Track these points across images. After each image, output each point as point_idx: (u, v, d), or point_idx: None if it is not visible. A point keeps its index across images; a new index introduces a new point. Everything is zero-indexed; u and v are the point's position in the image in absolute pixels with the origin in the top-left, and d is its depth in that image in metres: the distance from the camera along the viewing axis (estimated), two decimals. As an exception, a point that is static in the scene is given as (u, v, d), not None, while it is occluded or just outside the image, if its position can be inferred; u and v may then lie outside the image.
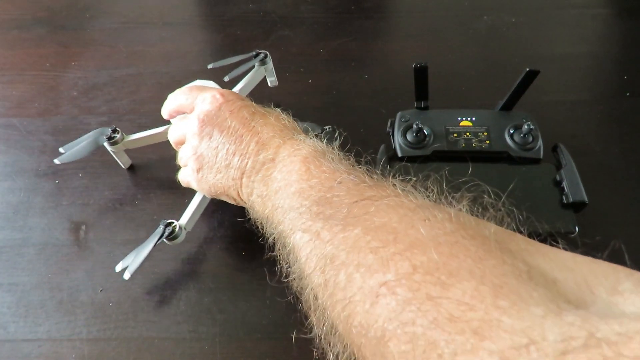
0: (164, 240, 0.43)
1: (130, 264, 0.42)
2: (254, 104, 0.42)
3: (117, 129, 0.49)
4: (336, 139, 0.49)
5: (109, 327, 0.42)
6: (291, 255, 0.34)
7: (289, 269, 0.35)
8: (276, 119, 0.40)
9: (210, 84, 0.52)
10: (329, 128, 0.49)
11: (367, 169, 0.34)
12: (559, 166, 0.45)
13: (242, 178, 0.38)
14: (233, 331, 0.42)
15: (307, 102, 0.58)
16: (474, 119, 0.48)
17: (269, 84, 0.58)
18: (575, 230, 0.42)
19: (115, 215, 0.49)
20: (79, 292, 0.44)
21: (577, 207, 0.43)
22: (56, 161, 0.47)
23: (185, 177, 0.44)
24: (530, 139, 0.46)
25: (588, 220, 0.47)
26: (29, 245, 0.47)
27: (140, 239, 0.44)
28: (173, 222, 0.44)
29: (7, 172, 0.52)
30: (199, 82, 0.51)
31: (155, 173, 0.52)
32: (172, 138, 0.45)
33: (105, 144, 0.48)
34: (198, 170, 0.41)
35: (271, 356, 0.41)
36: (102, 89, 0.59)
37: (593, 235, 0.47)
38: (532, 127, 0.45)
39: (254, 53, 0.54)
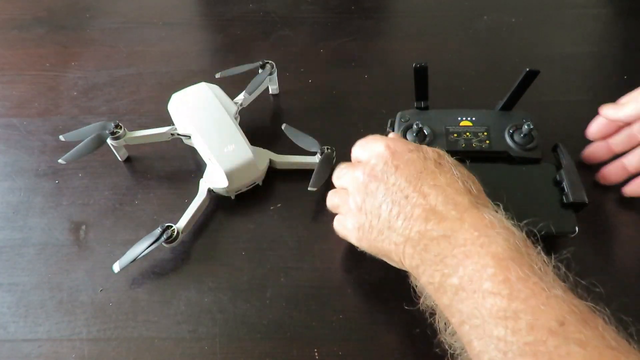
0: (162, 243, 0.44)
1: (122, 258, 0.43)
2: (429, 153, 0.36)
3: (120, 124, 0.49)
4: (334, 159, 0.50)
5: (109, 327, 0.42)
6: None
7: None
8: (450, 179, 0.33)
9: (214, 87, 0.52)
10: (327, 149, 0.49)
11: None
12: (558, 166, 0.45)
13: (405, 245, 0.33)
14: (233, 331, 0.42)
15: (307, 102, 0.58)
16: (474, 119, 0.48)
17: (270, 92, 0.58)
18: (575, 230, 0.42)
19: (115, 215, 0.49)
20: (79, 292, 0.44)
21: (577, 207, 0.43)
22: (60, 161, 0.47)
23: (343, 230, 0.40)
24: (530, 139, 0.46)
25: (588, 220, 0.47)
26: (29, 245, 0.47)
27: (141, 239, 0.44)
28: (172, 226, 0.44)
29: (7, 172, 0.52)
30: (203, 85, 0.51)
31: (156, 173, 0.52)
32: (333, 197, 0.42)
33: (108, 139, 0.49)
34: (358, 229, 0.37)
35: (271, 356, 0.41)
36: (102, 89, 0.59)
37: (593, 235, 0.47)
38: (532, 127, 0.45)
39: (261, 63, 0.54)
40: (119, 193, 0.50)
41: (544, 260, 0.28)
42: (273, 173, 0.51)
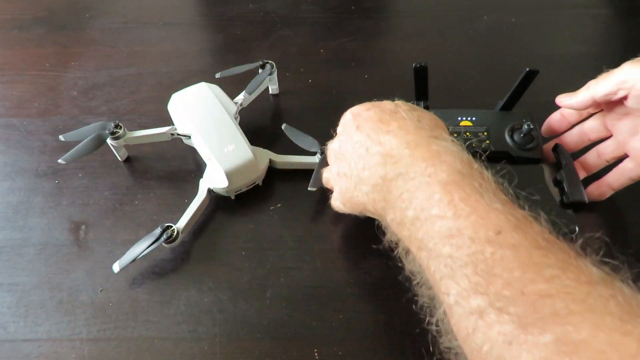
0: (162, 244, 0.44)
1: (122, 258, 0.43)
2: (386, 106, 0.37)
3: (120, 124, 0.49)
4: None
5: (109, 327, 0.42)
6: (435, 303, 0.31)
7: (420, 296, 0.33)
8: (402, 123, 0.35)
9: (214, 87, 0.52)
10: None
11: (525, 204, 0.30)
12: (559, 166, 0.45)
13: (373, 192, 0.35)
14: (233, 331, 0.42)
15: (307, 102, 0.58)
16: (474, 118, 0.48)
17: (270, 92, 0.58)
18: (576, 230, 0.42)
19: (115, 215, 0.49)
20: (79, 292, 0.44)
21: (577, 206, 0.43)
22: (60, 161, 0.47)
23: (334, 202, 0.42)
24: (530, 138, 0.46)
25: (588, 220, 0.47)
26: (29, 245, 0.47)
27: (140, 239, 0.44)
28: (172, 226, 0.44)
29: (7, 172, 0.52)
30: (203, 85, 0.51)
31: (156, 173, 0.52)
32: (324, 174, 0.44)
33: (108, 139, 0.49)
34: (341, 193, 0.40)
35: (271, 356, 0.41)
36: (102, 89, 0.59)
37: (593, 236, 0.47)
38: (532, 126, 0.45)
39: (261, 63, 0.54)
40: (119, 193, 0.50)
41: (486, 178, 0.31)
42: (273, 173, 0.51)
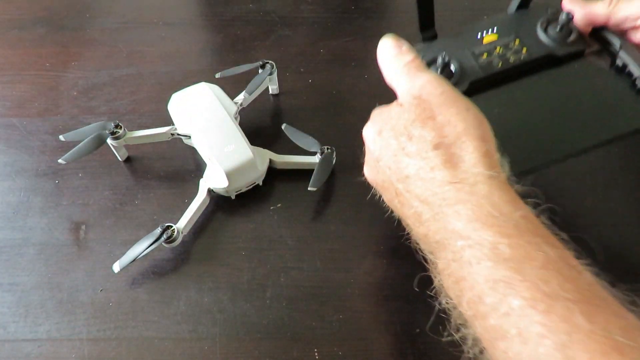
0: (162, 243, 0.44)
1: (122, 258, 0.43)
2: (446, 90, 0.32)
3: (120, 124, 0.49)
4: (334, 159, 0.49)
5: (109, 327, 0.42)
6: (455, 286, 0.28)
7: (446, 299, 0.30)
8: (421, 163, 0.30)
9: (214, 87, 0.52)
10: (327, 149, 0.49)
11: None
12: (609, 53, 0.38)
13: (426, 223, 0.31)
14: (233, 331, 0.42)
15: (307, 102, 0.58)
16: (495, 29, 0.39)
17: (270, 92, 0.58)
18: None
19: (115, 215, 0.49)
20: (79, 292, 0.44)
21: None
22: (60, 161, 0.47)
23: (372, 175, 0.37)
24: (569, 30, 0.38)
25: (587, 220, 0.47)
26: (29, 245, 0.47)
27: (141, 239, 0.44)
28: (172, 226, 0.44)
29: (7, 172, 0.52)
30: (203, 85, 0.51)
31: (156, 173, 0.52)
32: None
33: (108, 139, 0.49)
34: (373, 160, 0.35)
35: (271, 356, 0.41)
36: (102, 89, 0.59)
37: (596, 235, 0.47)
38: (570, 15, 0.37)
39: (261, 63, 0.54)
40: (119, 193, 0.50)
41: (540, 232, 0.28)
42: (273, 173, 0.51)
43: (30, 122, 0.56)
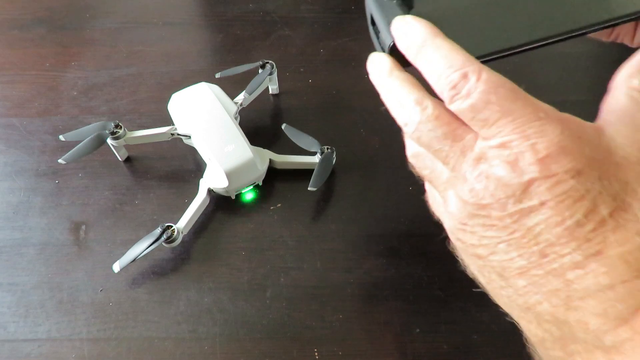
0: (162, 243, 0.44)
1: (122, 258, 0.43)
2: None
3: (120, 124, 0.49)
4: (334, 159, 0.49)
5: (109, 327, 0.42)
6: None
7: None
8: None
9: (214, 87, 0.52)
10: (327, 149, 0.49)
11: None
12: None
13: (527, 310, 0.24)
14: (233, 331, 0.42)
15: (307, 102, 0.58)
16: None
17: (270, 92, 0.58)
18: None
19: (115, 215, 0.49)
20: (79, 292, 0.44)
21: None
22: (60, 161, 0.47)
23: (438, 213, 0.29)
24: None
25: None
26: (29, 245, 0.47)
27: (140, 239, 0.44)
28: (172, 226, 0.44)
29: (7, 172, 0.52)
30: (203, 85, 0.51)
31: (156, 173, 0.52)
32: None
33: (108, 139, 0.49)
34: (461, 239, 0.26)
35: (271, 356, 0.41)
36: (102, 89, 0.59)
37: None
38: None
39: (261, 63, 0.54)
40: (119, 193, 0.50)
41: None
42: (273, 173, 0.51)
43: (30, 122, 0.56)
